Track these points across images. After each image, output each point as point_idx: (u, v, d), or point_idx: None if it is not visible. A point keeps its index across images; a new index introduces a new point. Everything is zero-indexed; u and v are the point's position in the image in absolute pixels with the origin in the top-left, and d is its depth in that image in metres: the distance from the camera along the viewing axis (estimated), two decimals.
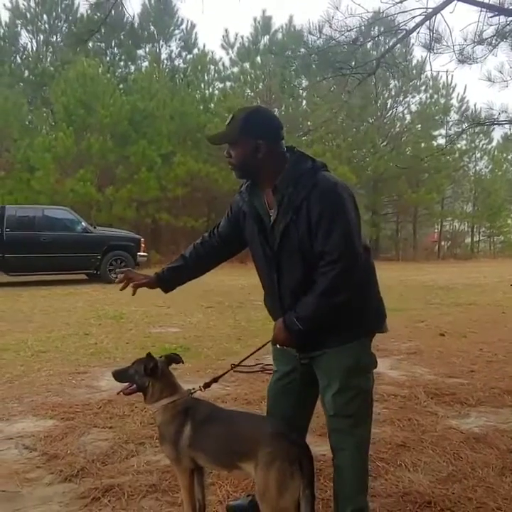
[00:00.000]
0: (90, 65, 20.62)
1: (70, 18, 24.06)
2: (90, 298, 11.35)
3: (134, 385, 2.50)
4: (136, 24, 25.77)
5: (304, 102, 25.65)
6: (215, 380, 2.59)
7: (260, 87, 24.88)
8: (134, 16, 24.53)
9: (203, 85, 26.25)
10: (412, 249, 30.05)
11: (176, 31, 27.37)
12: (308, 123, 25.15)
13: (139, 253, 14.92)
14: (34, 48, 25.69)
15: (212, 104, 24.73)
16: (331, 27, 5.54)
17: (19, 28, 25.20)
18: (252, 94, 25.39)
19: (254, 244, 2.35)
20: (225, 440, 2.33)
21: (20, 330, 7.64)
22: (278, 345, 2.32)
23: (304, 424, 2.55)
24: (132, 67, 26.66)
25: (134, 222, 20.12)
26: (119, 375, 2.57)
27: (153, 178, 20.00)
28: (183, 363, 2.64)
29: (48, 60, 25.31)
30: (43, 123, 22.93)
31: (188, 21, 27.32)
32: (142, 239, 15.39)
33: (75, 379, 5.16)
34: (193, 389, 2.51)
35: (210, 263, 2.64)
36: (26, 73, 24.50)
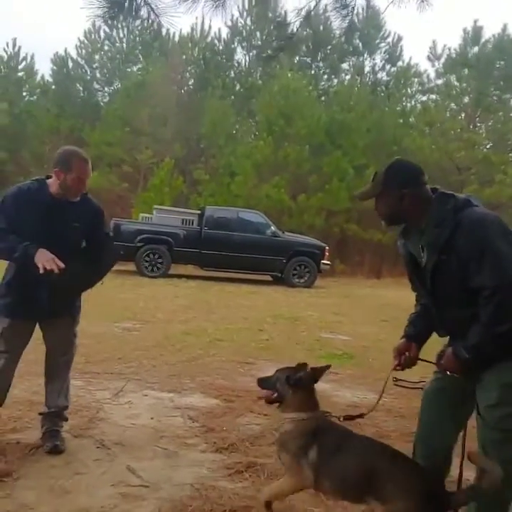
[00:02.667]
0: (294, 78, 21.63)
1: (281, 34, 25.37)
2: (270, 298, 11.94)
3: (276, 393, 2.52)
4: (342, 39, 26.26)
5: None
6: (362, 416, 2.61)
7: (465, 100, 23.68)
8: (340, 31, 25.02)
9: (404, 98, 25.83)
10: None
11: (382, 44, 27.29)
12: None
13: (322, 261, 15.26)
14: (246, 64, 27.63)
15: (411, 118, 24.23)
16: None
17: (235, 45, 27.32)
18: (456, 107, 24.26)
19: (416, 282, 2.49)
20: (354, 473, 2.28)
21: (204, 319, 8.41)
22: (448, 372, 2.38)
23: (451, 430, 2.48)
24: (335, 80, 27.26)
25: (322, 231, 20.46)
26: (263, 382, 2.62)
27: (344, 188, 20.20)
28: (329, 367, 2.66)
29: (258, 74, 27.01)
30: (246, 132, 24.59)
31: (394, 34, 27.07)
32: (327, 247, 15.67)
33: (242, 368, 5.58)
34: (330, 414, 2.51)
35: None
36: (237, 87, 26.45)
